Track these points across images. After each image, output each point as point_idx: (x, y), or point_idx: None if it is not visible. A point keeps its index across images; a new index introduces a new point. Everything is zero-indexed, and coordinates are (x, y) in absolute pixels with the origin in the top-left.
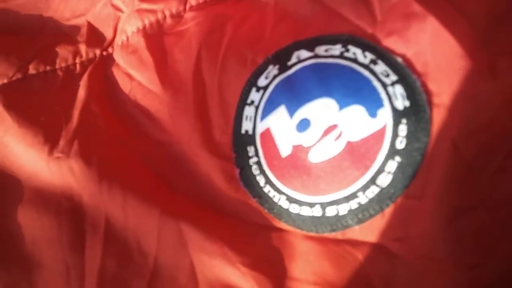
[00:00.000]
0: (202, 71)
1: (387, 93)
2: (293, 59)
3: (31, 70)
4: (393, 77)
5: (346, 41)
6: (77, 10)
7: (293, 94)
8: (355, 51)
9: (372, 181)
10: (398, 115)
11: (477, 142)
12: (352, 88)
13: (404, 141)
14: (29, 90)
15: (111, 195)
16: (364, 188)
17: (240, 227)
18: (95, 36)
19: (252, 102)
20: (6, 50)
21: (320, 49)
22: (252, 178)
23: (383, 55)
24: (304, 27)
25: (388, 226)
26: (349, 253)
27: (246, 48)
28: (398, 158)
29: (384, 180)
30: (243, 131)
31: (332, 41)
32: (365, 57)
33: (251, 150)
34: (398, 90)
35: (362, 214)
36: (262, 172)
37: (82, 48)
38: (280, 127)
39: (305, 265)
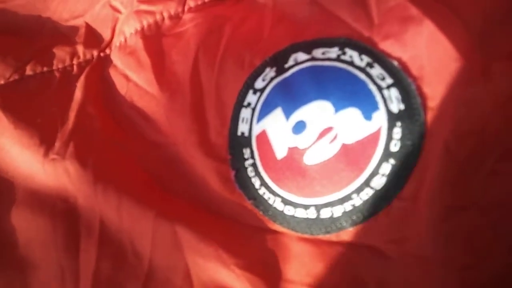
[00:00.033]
0: (200, 72)
1: (383, 96)
2: (290, 62)
3: (28, 71)
4: (389, 80)
5: (343, 44)
6: (75, 11)
7: (289, 96)
8: (351, 54)
9: (367, 183)
10: (393, 118)
11: (470, 145)
12: (348, 91)
13: (399, 144)
14: (26, 91)
15: (106, 197)
16: (359, 190)
17: (235, 229)
18: (93, 37)
19: (249, 104)
20: (4, 51)
21: (317, 52)
22: (247, 180)
23: (380, 58)
24: (301, 30)
25: (382, 228)
26: (343, 255)
27: (244, 50)
28: (392, 161)
29: (378, 182)
30: (239, 133)
31: (329, 44)
32: (362, 60)
33: (246, 152)
34: (394, 93)
35: (356, 216)
36: (258, 174)
37: (80, 49)
38: (276, 129)
39: (300, 267)
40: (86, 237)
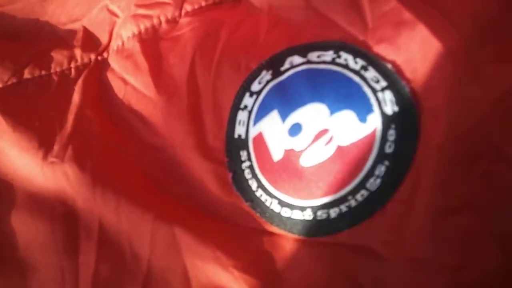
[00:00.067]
0: (197, 76)
1: (377, 99)
2: (286, 65)
3: (26, 74)
4: (383, 83)
5: (338, 47)
6: (73, 15)
7: (285, 99)
8: (346, 57)
9: (362, 185)
10: (387, 120)
11: (463, 147)
12: (343, 93)
13: (393, 146)
14: (24, 95)
15: (104, 199)
16: (354, 192)
17: (233, 231)
18: (90, 41)
19: (245, 106)
20: (1, 54)
21: (313, 55)
22: (244, 182)
23: (374, 61)
24: (297, 33)
25: (377, 229)
26: (339, 257)
27: (240, 54)
28: (387, 162)
29: (374, 184)
30: (236, 136)
31: (325, 47)
32: (356, 63)
33: (243, 155)
34: (388, 95)
35: (352, 217)
36: (255, 176)
37: (78, 52)
38: (272, 131)
39: (297, 268)
40: (85, 239)
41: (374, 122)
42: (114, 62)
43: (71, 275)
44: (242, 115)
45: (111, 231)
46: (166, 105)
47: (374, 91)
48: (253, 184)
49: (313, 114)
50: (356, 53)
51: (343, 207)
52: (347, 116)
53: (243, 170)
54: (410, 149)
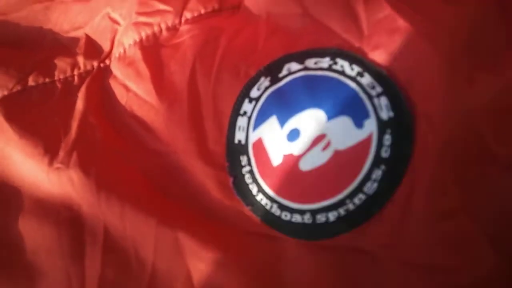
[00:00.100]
0: (197, 82)
1: (373, 104)
2: (284, 71)
3: (31, 82)
4: (379, 89)
5: (334, 54)
6: (76, 23)
7: (283, 105)
8: (342, 64)
9: (359, 188)
10: (383, 125)
11: (458, 150)
12: (339, 99)
13: (389, 150)
14: (29, 102)
15: (109, 205)
16: (352, 195)
17: (235, 234)
18: (93, 48)
19: (245, 112)
20: (6, 62)
21: (310, 62)
22: (245, 186)
23: (369, 67)
24: (295, 41)
25: (375, 233)
26: (339, 260)
27: (239, 61)
28: (383, 167)
29: (371, 188)
30: (236, 141)
31: (321, 54)
32: (352, 70)
33: (243, 160)
34: (383, 101)
35: (351, 221)
36: (255, 180)
37: (80, 60)
38: (271, 137)
39: (298, 271)
40: (90, 244)
41: (370, 127)
42: (116, 69)
43: (77, 279)
44: (241, 121)
45: (116, 235)
46: (168, 111)
47: (370, 97)
48: (254, 189)
49: (310, 119)
50: (352, 60)
51: (342, 211)
52: (344, 121)
53: (243, 175)
54: (405, 154)
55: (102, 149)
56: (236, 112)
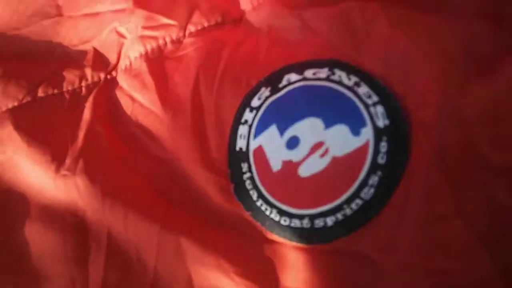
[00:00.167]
0: (200, 93)
1: (369, 113)
2: (284, 82)
3: (40, 93)
4: (375, 98)
5: (332, 65)
6: (84, 37)
7: (283, 114)
8: (340, 74)
9: (356, 194)
10: (379, 133)
11: (453, 156)
12: (337, 108)
13: (385, 157)
14: (38, 112)
15: (113, 211)
16: (349, 201)
17: (235, 239)
18: (100, 61)
19: (246, 121)
20: (17, 74)
21: (309, 73)
22: (245, 192)
23: (366, 77)
24: (294, 52)
25: (372, 237)
26: (337, 264)
27: (241, 72)
28: (380, 173)
29: (368, 193)
30: (237, 149)
31: (320, 65)
32: (350, 80)
33: (244, 166)
34: (379, 110)
35: (348, 225)
36: (255, 187)
37: (88, 72)
38: (271, 144)
39: (296, 275)
40: (95, 249)
41: (367, 135)
42: (122, 80)
43: (81, 283)
44: (243, 129)
45: (119, 241)
46: (172, 121)
47: (367, 106)
48: (254, 194)
49: (309, 128)
50: (349, 70)
51: (339, 216)
52: (341, 129)
53: (244, 181)
54: (401, 160)
55: (107, 157)
56: (237, 121)
